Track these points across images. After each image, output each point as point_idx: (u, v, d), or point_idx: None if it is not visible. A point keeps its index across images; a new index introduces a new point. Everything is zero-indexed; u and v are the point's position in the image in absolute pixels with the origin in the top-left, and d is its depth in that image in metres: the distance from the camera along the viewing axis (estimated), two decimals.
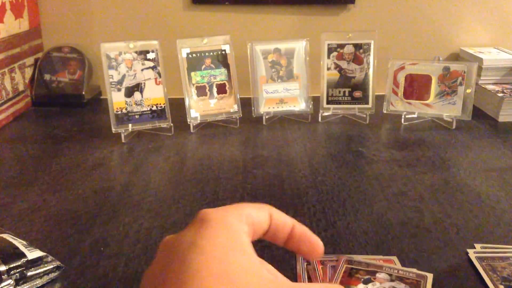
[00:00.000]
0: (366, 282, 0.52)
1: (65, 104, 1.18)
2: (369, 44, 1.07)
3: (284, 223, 0.34)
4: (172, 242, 0.29)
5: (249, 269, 0.27)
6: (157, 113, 1.00)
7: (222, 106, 1.04)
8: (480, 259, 0.57)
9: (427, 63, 1.06)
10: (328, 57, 1.08)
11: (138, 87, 0.99)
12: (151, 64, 0.99)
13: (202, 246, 0.27)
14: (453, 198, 0.74)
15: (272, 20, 1.26)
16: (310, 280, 0.53)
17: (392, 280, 0.52)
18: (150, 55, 0.99)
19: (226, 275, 0.26)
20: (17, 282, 0.51)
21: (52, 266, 0.54)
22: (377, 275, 0.53)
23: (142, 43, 0.98)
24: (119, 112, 0.97)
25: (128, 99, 0.98)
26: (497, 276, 0.54)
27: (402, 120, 1.06)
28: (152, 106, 0.99)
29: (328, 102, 1.09)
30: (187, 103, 1.01)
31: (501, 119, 1.08)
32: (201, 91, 1.03)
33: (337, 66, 1.08)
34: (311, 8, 1.25)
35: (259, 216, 0.32)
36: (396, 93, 1.07)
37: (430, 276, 0.53)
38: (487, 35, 1.29)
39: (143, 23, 1.25)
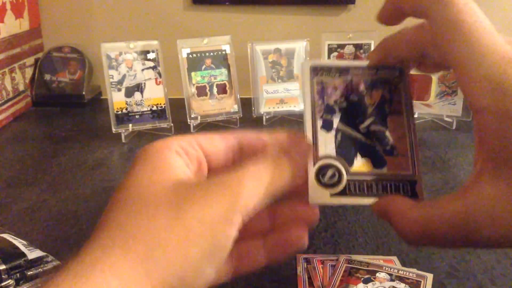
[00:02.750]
0: (366, 281, 0.52)
1: (66, 104, 1.18)
2: (369, 44, 1.07)
3: (258, 139, 0.33)
4: None
5: (159, 181, 0.27)
6: (157, 113, 1.00)
7: (222, 106, 1.04)
8: None
9: None
10: (329, 57, 1.08)
11: (138, 87, 0.99)
12: (152, 64, 0.99)
13: (123, 184, 0.29)
14: None
15: (272, 20, 1.26)
16: (310, 280, 0.53)
17: (392, 280, 0.52)
18: (151, 55, 0.99)
19: (128, 198, 0.27)
20: (17, 282, 0.51)
21: (52, 266, 0.54)
22: (377, 274, 0.53)
23: (143, 43, 0.99)
24: (119, 112, 0.97)
25: (128, 99, 0.98)
26: None
27: None
28: (153, 106, 0.99)
29: None
30: (187, 103, 1.01)
31: None
32: (201, 91, 1.03)
33: None
34: (311, 8, 1.25)
35: (213, 142, 0.32)
36: None
37: (430, 276, 0.53)
38: None
39: (143, 23, 1.25)
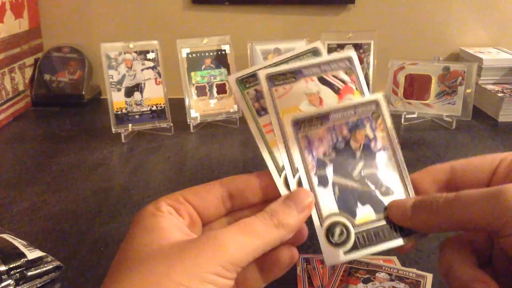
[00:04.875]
0: (366, 281, 0.52)
1: (65, 104, 1.18)
2: (369, 44, 1.07)
3: (246, 184, 0.34)
4: None
5: (154, 243, 0.28)
6: (157, 113, 1.00)
7: (222, 106, 1.04)
8: None
9: (427, 63, 1.06)
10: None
11: (138, 87, 0.99)
12: (151, 64, 0.99)
13: (121, 247, 0.30)
14: None
15: (272, 20, 1.26)
16: (310, 279, 0.53)
17: (392, 280, 0.52)
18: (150, 55, 0.99)
19: (134, 256, 0.28)
20: (17, 282, 0.51)
21: (52, 266, 0.54)
22: (377, 274, 0.53)
23: (142, 43, 0.99)
24: (119, 112, 0.97)
25: (128, 99, 0.98)
26: None
27: (402, 120, 1.06)
28: (152, 106, 0.99)
29: None
30: (187, 103, 1.01)
31: (501, 119, 1.08)
32: (201, 91, 1.03)
33: None
34: (311, 8, 1.25)
35: (200, 195, 0.33)
36: (396, 93, 1.07)
37: (430, 276, 0.53)
38: (487, 35, 1.29)
39: (143, 23, 1.25)
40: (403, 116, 1.06)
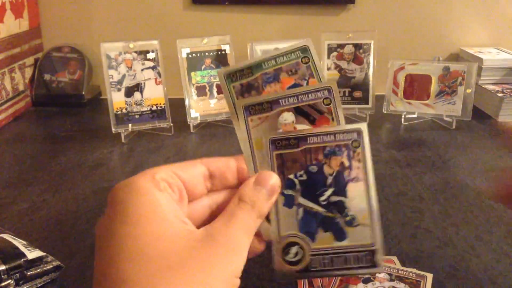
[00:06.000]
0: (366, 281, 0.52)
1: (65, 104, 1.18)
2: (369, 44, 1.07)
3: (226, 165, 0.34)
4: (97, 228, 0.29)
5: (162, 235, 0.27)
6: (157, 113, 1.00)
7: (222, 106, 1.04)
8: None
9: (427, 63, 1.06)
10: (328, 57, 1.08)
11: (138, 87, 0.99)
12: (151, 64, 0.99)
13: (113, 229, 0.28)
14: (453, 198, 0.74)
15: (272, 20, 1.26)
16: (310, 279, 0.53)
17: (392, 280, 0.52)
18: (150, 55, 0.99)
19: (139, 252, 0.26)
20: (17, 282, 0.51)
21: (52, 266, 0.54)
22: (377, 274, 0.53)
23: (142, 43, 0.98)
24: (119, 112, 0.97)
25: (128, 99, 0.98)
26: None
27: (402, 120, 1.06)
28: (152, 106, 0.99)
29: None
30: (187, 103, 1.01)
31: (501, 119, 1.08)
32: (201, 91, 1.03)
33: (337, 66, 1.08)
34: (311, 8, 1.25)
35: (187, 171, 0.32)
36: (396, 93, 1.07)
37: (430, 276, 0.53)
38: (487, 35, 1.29)
39: (143, 23, 1.25)
40: (403, 116, 1.06)
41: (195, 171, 0.32)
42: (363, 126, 0.35)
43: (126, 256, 0.26)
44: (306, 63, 0.37)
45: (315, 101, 0.36)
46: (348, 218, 0.34)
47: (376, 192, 0.34)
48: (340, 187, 0.35)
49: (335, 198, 0.35)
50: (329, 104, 0.36)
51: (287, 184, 0.34)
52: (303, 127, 0.36)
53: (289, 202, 0.34)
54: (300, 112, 0.36)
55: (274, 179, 0.33)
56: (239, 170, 0.34)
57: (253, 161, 0.35)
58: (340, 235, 0.34)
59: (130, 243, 0.27)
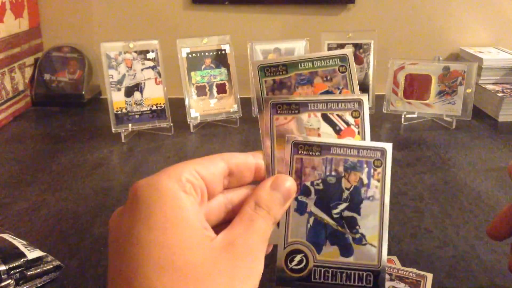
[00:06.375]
0: None
1: (65, 104, 1.18)
2: (369, 44, 1.07)
3: (245, 162, 0.33)
4: (115, 227, 0.28)
5: (190, 244, 0.27)
6: (157, 113, 1.00)
7: (222, 106, 1.04)
8: None
9: (427, 63, 1.06)
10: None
11: (138, 87, 0.99)
12: (151, 64, 0.99)
13: (137, 234, 0.26)
14: (453, 198, 0.74)
15: (272, 20, 1.26)
16: None
17: (392, 280, 0.52)
18: (150, 55, 0.99)
19: (168, 262, 0.26)
20: (17, 282, 0.51)
21: (52, 266, 0.54)
22: None
23: (142, 43, 0.98)
24: (119, 112, 0.97)
25: (128, 99, 0.98)
26: None
27: (402, 120, 1.06)
28: (152, 106, 0.99)
29: None
30: (187, 103, 1.01)
31: (501, 119, 1.08)
32: (201, 91, 1.03)
33: None
34: (311, 8, 1.25)
35: (209, 169, 0.31)
36: (396, 93, 1.07)
37: (430, 276, 0.53)
38: (487, 35, 1.29)
39: (143, 23, 1.25)
40: (403, 116, 1.06)
41: (215, 169, 0.31)
42: (389, 146, 0.34)
43: (155, 265, 0.25)
44: (343, 72, 0.36)
45: (344, 111, 0.35)
46: (357, 236, 0.34)
47: (388, 215, 0.34)
48: (355, 203, 0.34)
49: (348, 214, 0.34)
50: (358, 117, 0.35)
51: (302, 190, 0.34)
52: (328, 135, 0.35)
53: (301, 208, 0.34)
54: (327, 120, 0.35)
55: (290, 183, 0.33)
56: (256, 167, 0.34)
57: (272, 161, 0.34)
58: (346, 251, 0.34)
59: (158, 251, 0.26)
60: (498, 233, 0.48)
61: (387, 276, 0.53)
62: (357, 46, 1.07)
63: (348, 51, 0.37)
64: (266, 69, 0.36)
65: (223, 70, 1.04)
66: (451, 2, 1.25)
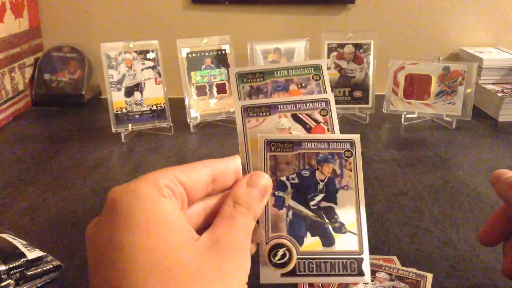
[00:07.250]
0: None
1: (65, 104, 1.18)
2: (369, 44, 1.07)
3: (227, 167, 0.34)
4: (93, 236, 0.29)
5: (176, 245, 0.27)
6: (157, 113, 1.00)
7: (222, 106, 1.04)
8: None
9: (427, 63, 1.06)
10: (328, 57, 1.08)
11: (138, 87, 0.99)
12: (151, 64, 0.99)
13: (120, 240, 0.26)
14: (453, 198, 0.74)
15: (272, 20, 1.26)
16: None
17: (392, 280, 0.52)
18: (150, 55, 0.99)
19: (155, 263, 0.25)
20: (17, 282, 0.51)
21: (52, 266, 0.54)
22: (377, 274, 0.53)
23: (142, 43, 0.98)
24: (119, 112, 0.97)
25: (128, 99, 0.98)
26: None
27: (402, 120, 1.06)
28: (152, 106, 0.99)
29: None
30: (187, 103, 1.01)
31: (501, 119, 1.08)
32: (201, 91, 1.03)
33: (337, 66, 1.08)
34: (311, 8, 1.25)
35: (190, 176, 0.31)
36: (396, 93, 1.07)
37: (430, 276, 0.53)
38: (487, 35, 1.29)
39: (143, 23, 1.25)
40: (403, 116, 1.06)
41: (197, 176, 0.32)
42: (356, 137, 0.36)
43: (142, 268, 0.25)
44: (316, 80, 0.38)
45: (312, 111, 0.37)
46: (336, 225, 0.35)
47: (365, 202, 0.35)
48: (331, 194, 0.35)
49: (325, 204, 0.35)
50: (326, 115, 0.37)
51: (278, 185, 0.35)
52: (299, 133, 0.36)
53: (279, 203, 0.35)
54: (297, 119, 0.37)
55: (265, 179, 0.34)
56: (237, 171, 0.34)
57: (247, 161, 0.36)
58: (327, 241, 0.35)
59: (144, 254, 0.26)
60: (490, 239, 0.47)
61: (387, 276, 0.53)
62: (357, 46, 1.07)
63: (322, 60, 0.39)
64: (244, 76, 0.38)
65: (223, 70, 1.04)
66: (451, 2, 1.26)
